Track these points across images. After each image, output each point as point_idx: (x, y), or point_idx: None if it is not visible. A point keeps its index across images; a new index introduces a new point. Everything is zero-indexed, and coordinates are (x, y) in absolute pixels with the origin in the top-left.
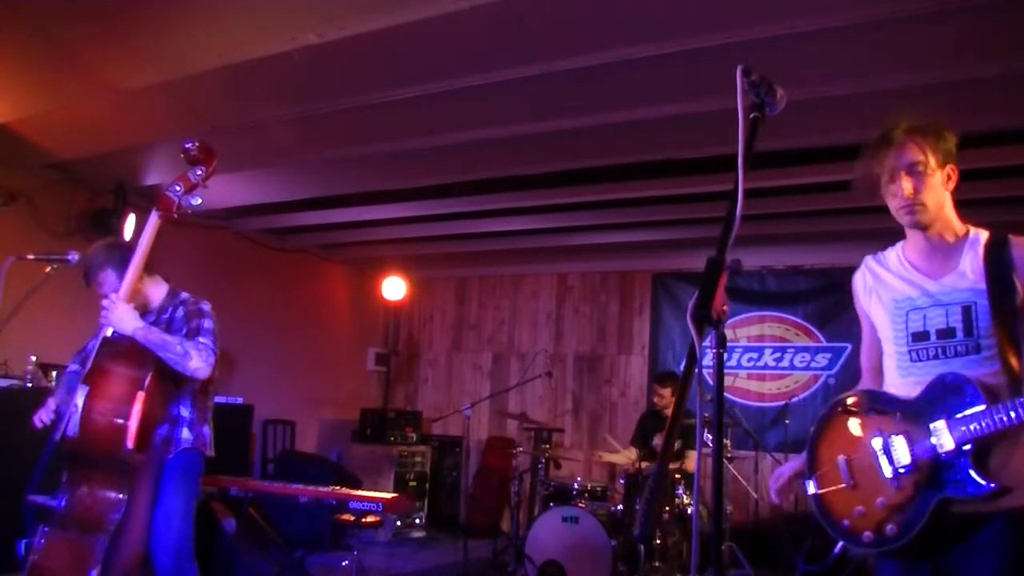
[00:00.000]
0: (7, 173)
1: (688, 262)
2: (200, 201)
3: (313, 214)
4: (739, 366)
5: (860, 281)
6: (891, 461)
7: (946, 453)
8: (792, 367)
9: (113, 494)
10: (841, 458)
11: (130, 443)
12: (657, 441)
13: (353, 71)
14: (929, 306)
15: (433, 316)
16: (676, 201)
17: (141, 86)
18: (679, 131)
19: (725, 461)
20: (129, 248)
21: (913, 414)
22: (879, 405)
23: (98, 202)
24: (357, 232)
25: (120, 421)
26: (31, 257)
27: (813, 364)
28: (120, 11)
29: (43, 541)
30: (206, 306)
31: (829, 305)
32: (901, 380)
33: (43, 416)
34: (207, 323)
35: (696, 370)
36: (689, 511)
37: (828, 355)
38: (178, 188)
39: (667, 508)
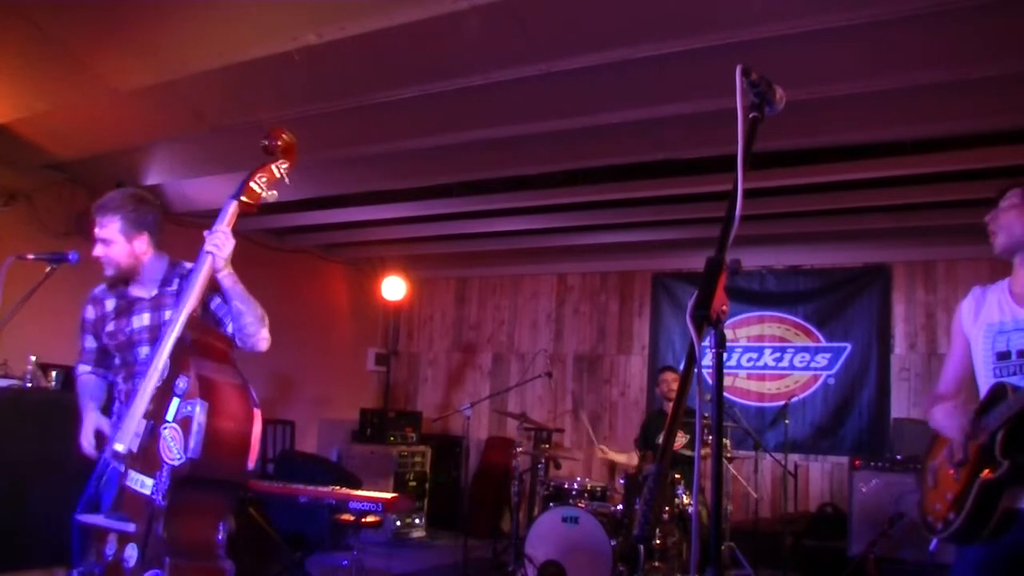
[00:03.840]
0: (7, 173)
1: (688, 262)
2: (275, 195)
3: (313, 214)
4: (739, 366)
5: (966, 306)
6: (952, 458)
7: (983, 444)
8: (792, 367)
9: (220, 519)
10: (931, 465)
11: (252, 463)
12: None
13: (353, 71)
14: (1013, 330)
15: (433, 316)
16: (676, 201)
17: (141, 86)
18: (679, 131)
19: (725, 461)
20: (155, 218)
21: (974, 418)
22: None
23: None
24: (357, 232)
25: (245, 443)
26: (31, 257)
27: (813, 364)
28: (120, 11)
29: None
30: None
31: (829, 305)
32: None
33: (89, 440)
34: None
35: (696, 370)
36: (689, 511)
37: (828, 355)
38: (262, 179)
39: (667, 508)
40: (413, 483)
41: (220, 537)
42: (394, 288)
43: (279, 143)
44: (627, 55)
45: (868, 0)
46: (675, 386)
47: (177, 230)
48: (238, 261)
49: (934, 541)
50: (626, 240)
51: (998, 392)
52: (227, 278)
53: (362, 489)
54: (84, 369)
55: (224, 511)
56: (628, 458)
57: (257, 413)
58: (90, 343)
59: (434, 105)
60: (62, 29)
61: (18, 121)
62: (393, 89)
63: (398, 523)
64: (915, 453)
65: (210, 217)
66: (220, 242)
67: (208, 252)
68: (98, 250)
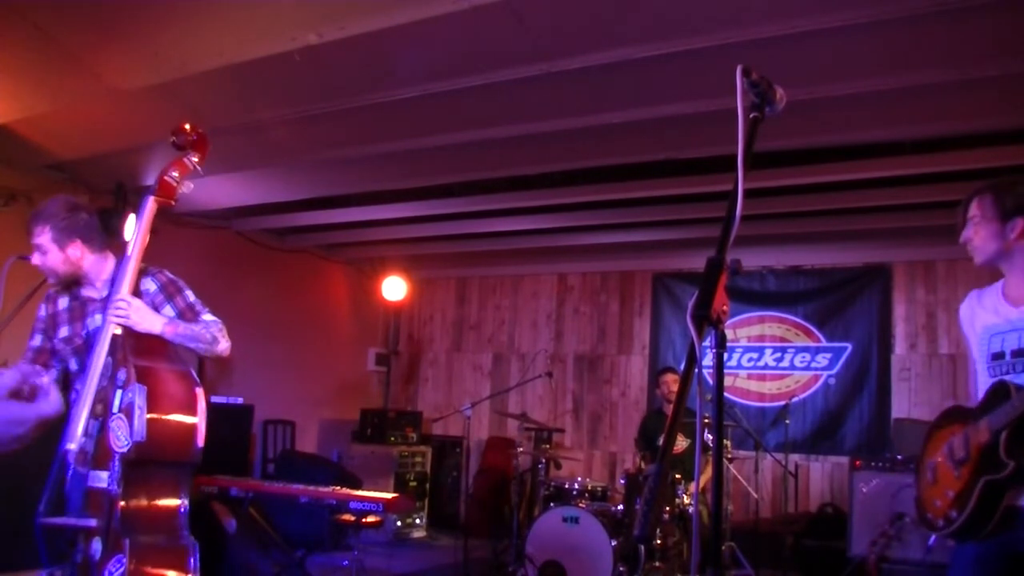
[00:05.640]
0: (7, 173)
1: (688, 262)
2: (192, 187)
3: (313, 214)
4: (739, 366)
5: (964, 311)
6: (953, 456)
7: (986, 442)
8: (792, 367)
9: (176, 499)
10: (929, 462)
11: (201, 442)
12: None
13: (353, 71)
14: (1007, 331)
15: (433, 316)
16: (676, 201)
17: (141, 86)
18: (679, 131)
19: (725, 461)
20: (86, 223)
21: (973, 416)
22: (957, 415)
23: (98, 202)
24: (357, 232)
25: (190, 421)
26: (32, 257)
27: (813, 364)
28: (120, 11)
29: (124, 562)
30: (172, 274)
31: (829, 305)
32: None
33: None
34: (192, 293)
35: (696, 370)
36: (689, 511)
37: (828, 355)
38: (175, 174)
39: (667, 508)
40: (413, 483)
41: (180, 517)
42: (394, 288)
43: (187, 137)
44: (627, 55)
45: (868, 0)
46: (675, 388)
47: (176, 230)
48: (239, 262)
49: (933, 537)
50: (626, 240)
51: (999, 390)
52: (164, 332)
53: (362, 489)
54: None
55: (180, 491)
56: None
57: (199, 392)
58: (35, 341)
59: (434, 105)
60: (62, 29)
61: (18, 121)
62: (393, 89)
63: (398, 523)
64: (916, 453)
65: (209, 217)
66: (123, 312)
67: (110, 323)
68: (35, 258)
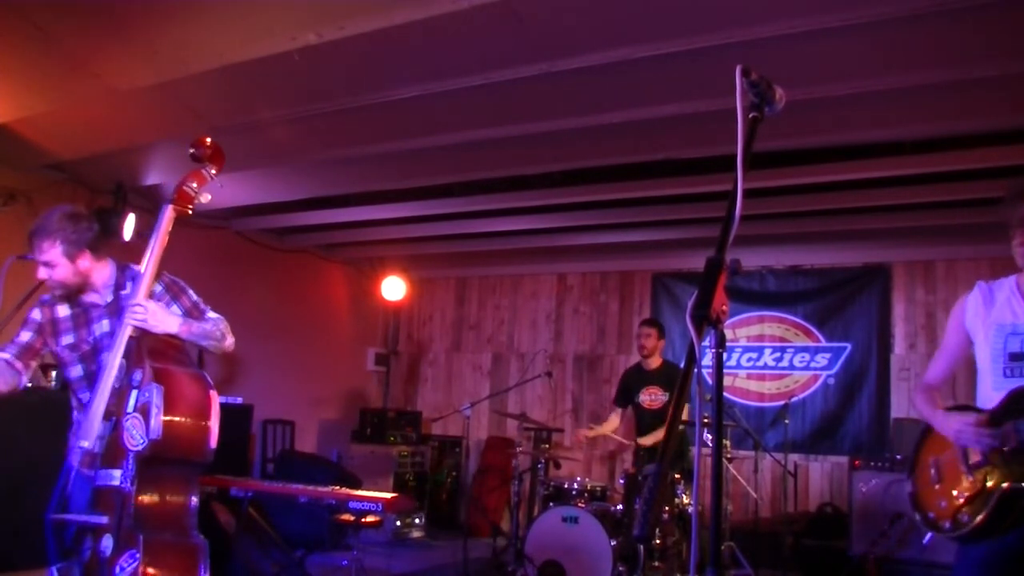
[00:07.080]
0: (7, 173)
1: (688, 262)
2: (209, 198)
3: (313, 214)
4: (739, 366)
5: (971, 302)
6: (966, 459)
7: (1009, 449)
8: (792, 367)
9: (187, 497)
10: (932, 460)
11: (213, 443)
12: (644, 397)
13: (353, 71)
14: None
15: (433, 316)
16: (676, 201)
17: (141, 86)
18: (679, 131)
19: (725, 461)
20: (92, 232)
21: (990, 420)
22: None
23: (98, 202)
24: (357, 232)
25: (204, 422)
26: (32, 257)
27: (813, 364)
28: (120, 11)
29: (138, 557)
30: (171, 275)
31: (829, 305)
32: (994, 393)
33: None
34: (194, 293)
35: (696, 370)
36: (689, 511)
37: (828, 355)
38: (193, 184)
39: (667, 508)
40: (413, 483)
41: (191, 516)
42: (394, 288)
43: (205, 150)
44: (627, 55)
45: (868, 0)
46: (648, 344)
47: (176, 230)
48: (239, 262)
49: (929, 534)
50: (626, 240)
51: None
52: (180, 332)
53: (362, 489)
54: (3, 356)
55: (191, 491)
56: (612, 426)
57: (213, 395)
58: (23, 338)
59: (434, 105)
60: (62, 29)
61: (18, 121)
62: (393, 89)
63: (398, 523)
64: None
65: (208, 217)
66: (140, 316)
67: (129, 324)
68: (42, 273)
